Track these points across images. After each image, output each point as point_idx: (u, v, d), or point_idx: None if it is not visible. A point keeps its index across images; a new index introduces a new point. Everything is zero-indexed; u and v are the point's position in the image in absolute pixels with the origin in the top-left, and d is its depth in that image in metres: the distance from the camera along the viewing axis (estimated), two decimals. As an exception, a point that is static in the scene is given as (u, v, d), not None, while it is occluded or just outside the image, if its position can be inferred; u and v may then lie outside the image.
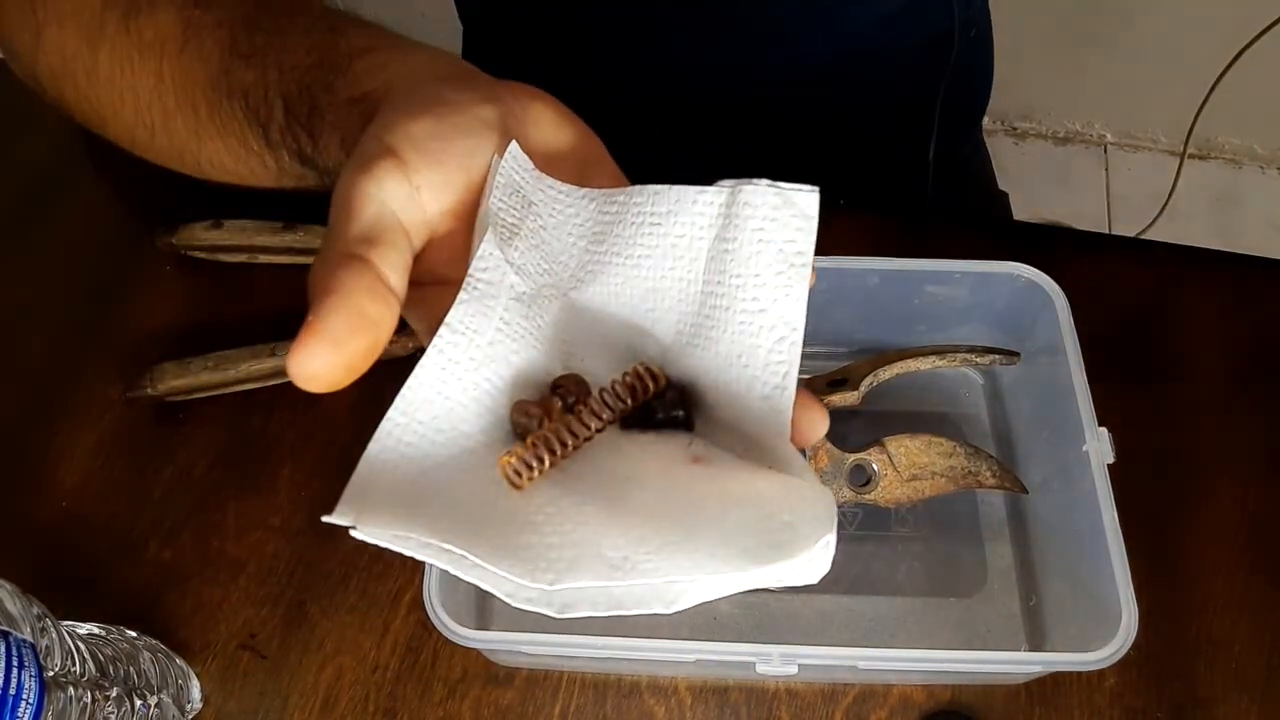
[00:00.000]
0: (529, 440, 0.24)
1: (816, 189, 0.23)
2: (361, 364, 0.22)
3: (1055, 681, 0.43)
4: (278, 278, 0.53)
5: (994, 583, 0.45)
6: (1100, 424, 0.40)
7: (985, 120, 0.73)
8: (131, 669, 0.38)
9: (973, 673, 0.42)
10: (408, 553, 0.22)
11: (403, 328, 0.59)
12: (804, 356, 0.56)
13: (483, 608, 0.45)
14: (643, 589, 0.21)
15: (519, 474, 0.23)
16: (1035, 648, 0.43)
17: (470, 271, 0.24)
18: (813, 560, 0.21)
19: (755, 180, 0.23)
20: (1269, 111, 1.33)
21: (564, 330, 0.26)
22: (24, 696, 0.30)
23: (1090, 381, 0.41)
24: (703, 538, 0.21)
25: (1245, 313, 0.53)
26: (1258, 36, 0.93)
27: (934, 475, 0.43)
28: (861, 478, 0.44)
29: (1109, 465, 0.39)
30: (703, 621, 0.45)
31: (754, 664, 0.37)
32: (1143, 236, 1.20)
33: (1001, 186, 0.76)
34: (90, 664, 0.35)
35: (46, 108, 0.46)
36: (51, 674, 0.32)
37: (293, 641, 0.45)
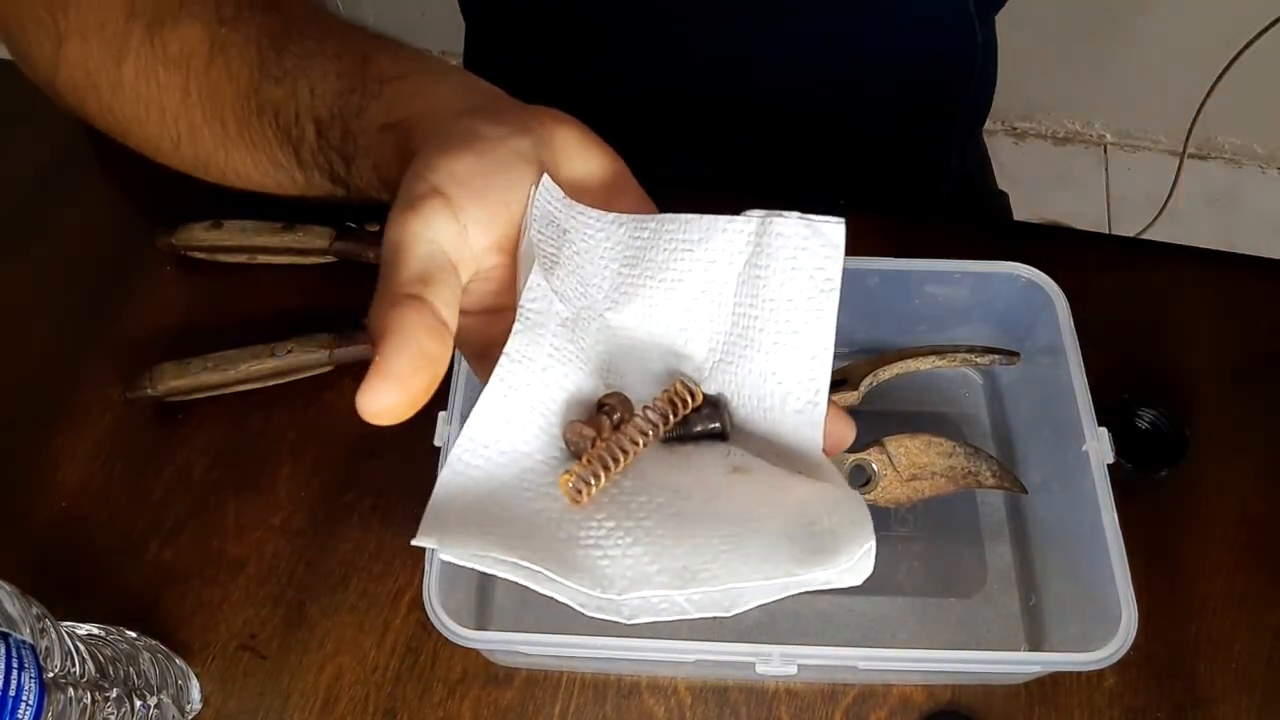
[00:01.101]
0: (584, 458, 0.26)
1: (843, 220, 0.26)
2: (423, 397, 0.23)
3: (1055, 681, 0.43)
4: (277, 278, 0.53)
5: (994, 583, 0.45)
6: (1099, 424, 0.40)
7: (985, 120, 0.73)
8: (131, 669, 0.38)
9: (973, 673, 0.42)
10: (487, 569, 0.24)
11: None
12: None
13: (482, 608, 0.45)
14: (703, 595, 0.24)
15: (579, 490, 0.25)
16: (1035, 648, 0.43)
17: (521, 303, 0.26)
18: (856, 564, 0.23)
19: (786, 213, 0.26)
20: (1269, 111, 1.33)
21: (604, 350, 0.29)
22: (24, 698, 0.30)
23: (1090, 381, 0.41)
24: (753, 545, 0.24)
25: (1245, 313, 0.53)
26: (1258, 36, 0.93)
27: (934, 475, 0.43)
28: (861, 478, 0.44)
29: (1109, 465, 0.39)
30: (703, 622, 0.45)
31: (754, 664, 0.37)
32: (1143, 236, 1.20)
33: (1001, 186, 0.76)
34: (90, 665, 0.35)
35: (47, 107, 0.46)
36: (51, 675, 0.32)
37: (293, 641, 0.45)
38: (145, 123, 0.38)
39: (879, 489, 0.43)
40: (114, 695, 0.35)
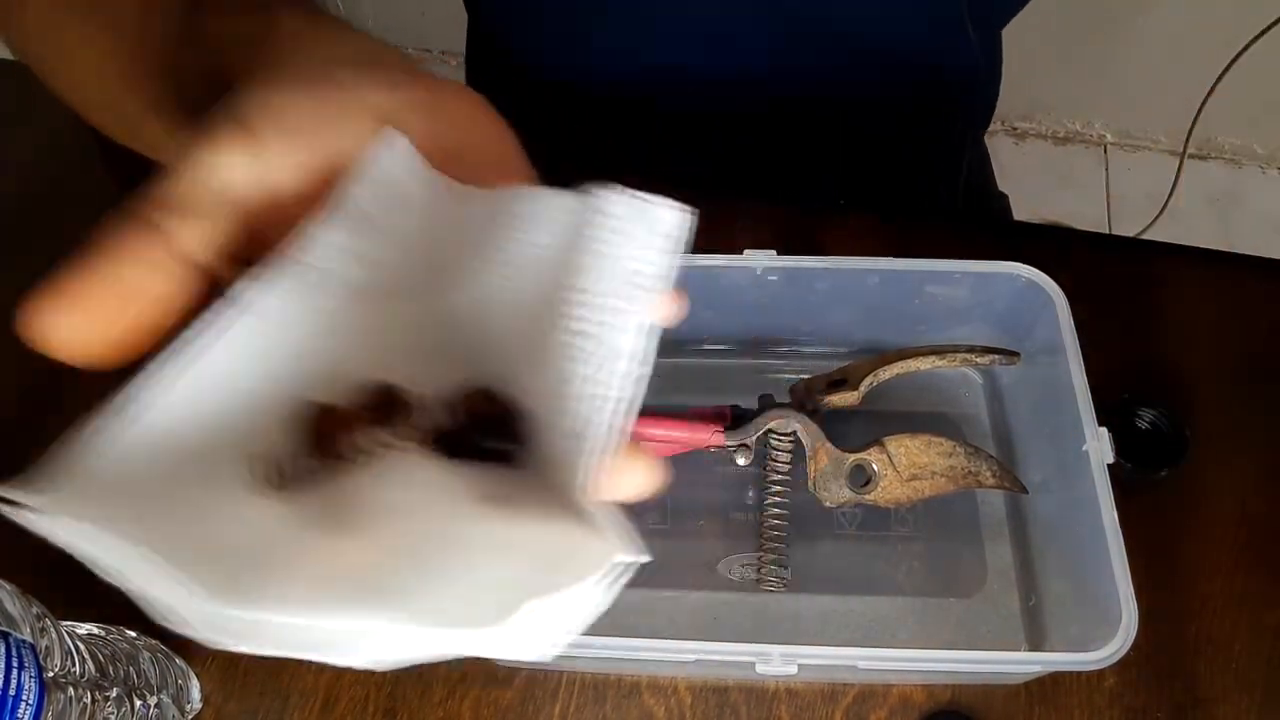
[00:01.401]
0: (307, 444, 0.22)
1: (688, 209, 0.20)
2: (110, 332, 0.20)
3: (1055, 681, 0.43)
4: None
5: (994, 583, 0.45)
6: (1099, 424, 0.40)
7: (985, 120, 0.73)
8: (131, 669, 0.38)
9: (972, 673, 0.42)
10: (84, 550, 0.19)
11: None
12: (804, 356, 0.55)
13: (483, 608, 0.45)
14: (331, 633, 0.18)
15: (280, 474, 0.21)
16: (1035, 647, 0.43)
17: (292, 253, 0.22)
18: (508, 638, 0.18)
19: (620, 191, 0.20)
20: (1269, 111, 1.33)
21: (414, 336, 0.24)
22: (24, 697, 0.30)
23: (1090, 381, 0.41)
24: (426, 590, 0.19)
25: (1245, 313, 0.53)
26: (1258, 36, 0.93)
27: (934, 475, 0.43)
28: (861, 478, 0.44)
29: (1109, 465, 0.39)
30: (703, 621, 0.45)
31: (754, 664, 0.37)
32: (1143, 236, 1.20)
33: (1001, 187, 0.76)
34: (90, 664, 0.35)
35: (47, 107, 0.46)
36: (51, 674, 0.32)
37: (293, 641, 0.45)
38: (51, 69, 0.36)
39: (879, 489, 0.43)
40: (114, 695, 0.35)
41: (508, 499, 0.21)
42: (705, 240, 0.62)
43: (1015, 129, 1.47)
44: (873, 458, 0.43)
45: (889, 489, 0.43)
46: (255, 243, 0.23)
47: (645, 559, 0.19)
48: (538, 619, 0.18)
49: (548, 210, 0.22)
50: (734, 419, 0.44)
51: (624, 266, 0.20)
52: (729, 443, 0.43)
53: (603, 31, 0.56)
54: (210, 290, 0.22)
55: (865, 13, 0.53)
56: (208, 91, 0.29)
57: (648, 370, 0.20)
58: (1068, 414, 0.41)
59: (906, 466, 0.43)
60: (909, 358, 0.44)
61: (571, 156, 0.58)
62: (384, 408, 0.23)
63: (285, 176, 0.23)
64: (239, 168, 0.22)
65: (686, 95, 0.59)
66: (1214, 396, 0.50)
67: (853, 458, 0.43)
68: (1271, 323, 0.53)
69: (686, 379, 0.51)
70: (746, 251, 0.45)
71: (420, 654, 0.18)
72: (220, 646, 0.18)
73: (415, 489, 0.22)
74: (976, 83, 0.64)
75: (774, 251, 0.45)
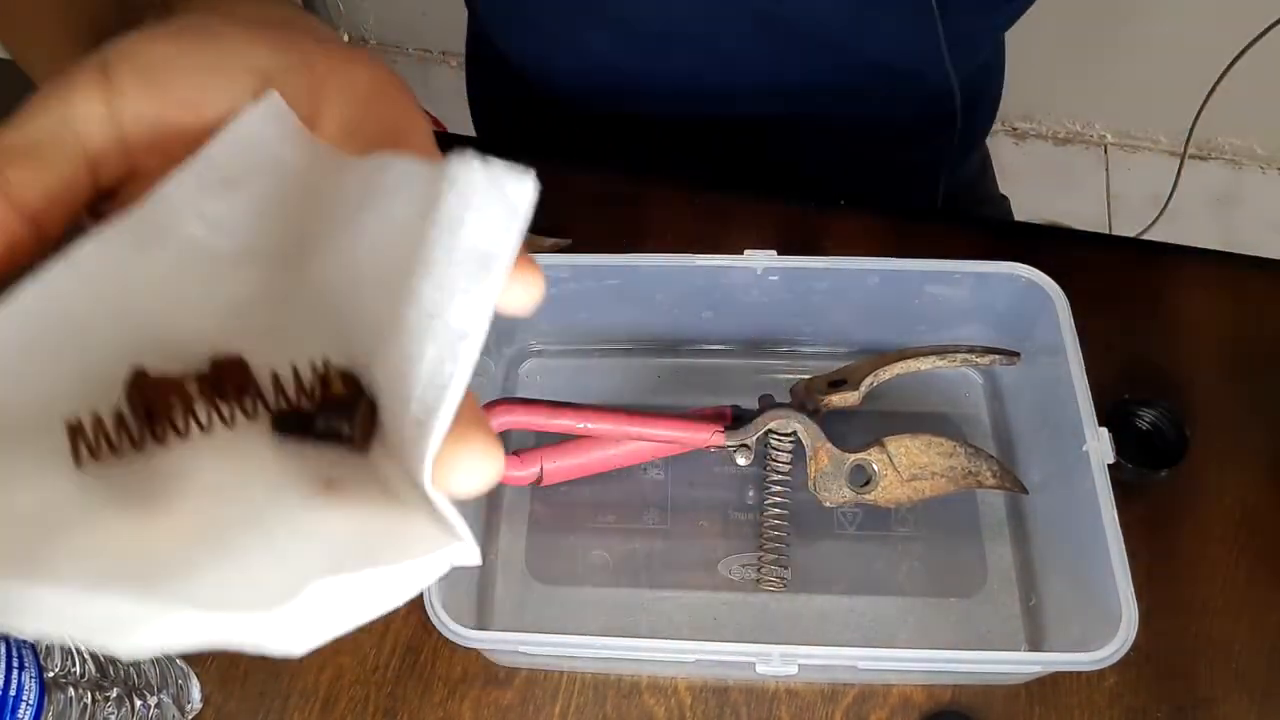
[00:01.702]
0: (120, 414, 0.20)
1: (532, 175, 0.18)
2: None
3: (1055, 681, 0.43)
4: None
5: (994, 583, 0.45)
6: (1099, 424, 0.40)
7: (985, 121, 0.73)
8: (131, 669, 0.38)
9: (973, 673, 0.42)
10: None
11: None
12: (804, 356, 0.55)
13: (483, 608, 0.45)
14: (100, 616, 0.17)
15: (90, 447, 0.20)
16: (1035, 647, 0.43)
17: (134, 209, 0.21)
18: (281, 625, 0.17)
19: (473, 159, 0.18)
20: (1269, 111, 1.33)
21: (267, 307, 0.22)
22: (24, 697, 0.30)
23: (1090, 381, 0.41)
24: (214, 574, 0.17)
25: (1245, 313, 0.53)
26: (1258, 37, 0.93)
27: (934, 475, 0.43)
28: (861, 478, 0.44)
29: (1109, 465, 0.39)
30: (703, 622, 0.45)
31: (754, 664, 0.37)
32: (1143, 236, 1.20)
33: (1001, 187, 0.76)
34: (90, 664, 0.35)
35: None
36: (51, 674, 0.32)
37: (293, 641, 0.45)
38: None
39: (879, 489, 0.43)
40: (114, 695, 0.35)
41: (343, 483, 0.20)
42: (705, 240, 0.62)
43: (1015, 129, 1.47)
44: (873, 458, 0.43)
45: (889, 489, 0.43)
46: (119, 203, 0.22)
47: (475, 560, 0.18)
48: (322, 603, 0.17)
49: (407, 180, 0.20)
50: (734, 419, 0.44)
51: (472, 244, 0.18)
52: (729, 443, 0.43)
53: (592, 34, 0.56)
54: (48, 244, 0.20)
55: (840, 12, 0.54)
56: (95, 39, 0.27)
57: (478, 349, 0.18)
58: (1068, 414, 0.41)
59: (907, 467, 0.43)
60: (909, 358, 0.44)
61: (570, 159, 0.58)
62: (225, 381, 0.21)
63: (143, 129, 0.22)
64: (93, 117, 0.21)
65: (679, 98, 0.59)
66: (1214, 396, 0.50)
67: (853, 458, 0.43)
68: (1272, 323, 0.53)
69: (686, 379, 0.51)
70: (746, 251, 0.45)
71: (197, 640, 0.17)
72: None
73: (243, 470, 0.20)
74: (975, 91, 0.64)
75: (774, 251, 0.45)
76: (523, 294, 0.19)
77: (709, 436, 0.43)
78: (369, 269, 0.21)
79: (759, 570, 0.44)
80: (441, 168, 0.18)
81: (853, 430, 0.45)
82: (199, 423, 0.21)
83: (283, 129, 0.22)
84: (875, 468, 0.43)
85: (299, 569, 0.17)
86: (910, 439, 0.43)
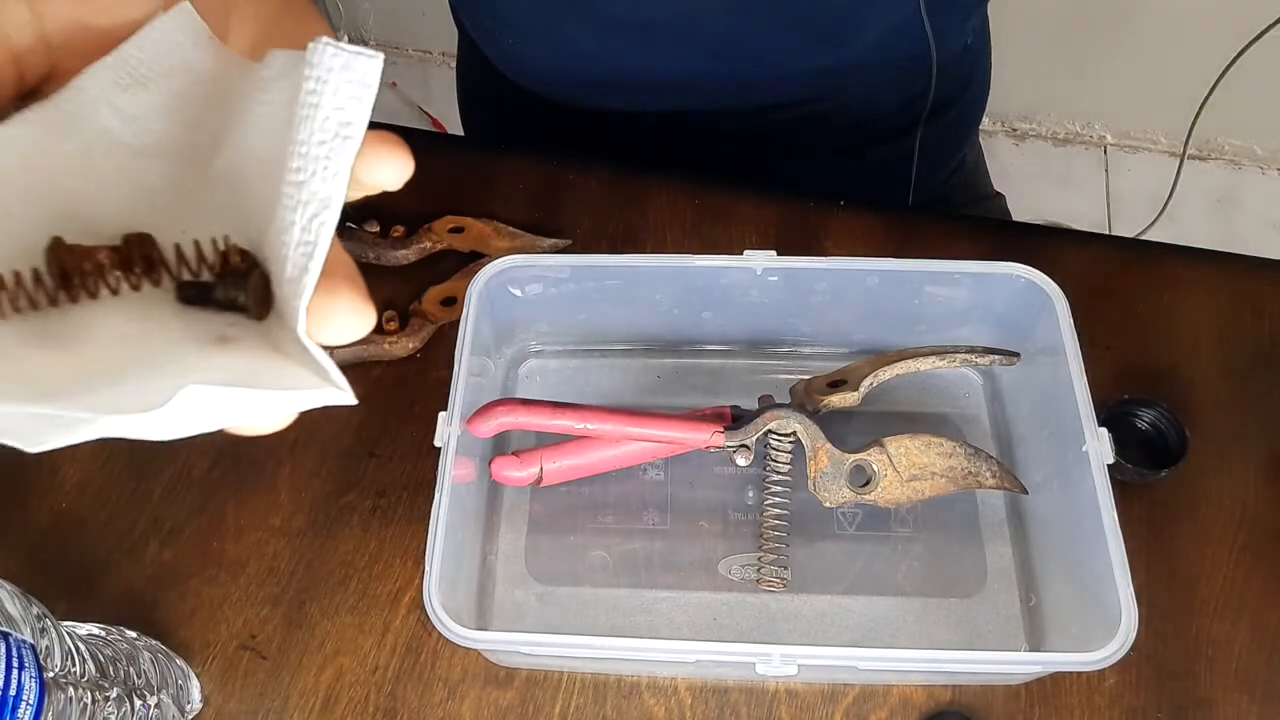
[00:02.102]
0: (35, 270, 0.23)
1: (380, 56, 0.21)
2: None
3: (1055, 681, 0.43)
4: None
5: (994, 583, 0.45)
6: (1099, 424, 0.40)
7: (985, 121, 0.73)
8: (131, 669, 0.38)
9: (972, 673, 0.42)
10: None
11: (402, 327, 0.59)
12: (804, 357, 0.55)
13: (483, 608, 0.45)
14: (17, 421, 0.20)
15: (11, 300, 0.22)
16: (1035, 648, 0.43)
17: (53, 98, 0.23)
18: (157, 418, 0.20)
19: (327, 41, 0.21)
20: (1269, 112, 1.33)
21: (179, 198, 0.25)
22: (24, 697, 0.30)
23: (1090, 381, 0.41)
24: (111, 387, 0.20)
25: (1245, 313, 0.53)
26: (1258, 36, 0.93)
27: (934, 476, 0.43)
28: (861, 478, 0.44)
29: (1108, 465, 0.39)
30: (702, 621, 0.45)
31: (754, 664, 0.37)
32: (1143, 236, 1.20)
33: (1001, 187, 0.76)
34: (90, 664, 0.35)
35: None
36: (51, 675, 0.32)
37: (293, 641, 0.45)
38: None
39: (879, 489, 0.43)
40: (114, 695, 0.35)
41: (237, 340, 0.23)
42: (705, 240, 0.62)
43: (1015, 129, 1.47)
44: (873, 458, 0.43)
45: (889, 489, 0.43)
46: (33, 94, 0.24)
47: (348, 401, 0.21)
48: (194, 405, 0.20)
49: (284, 69, 0.23)
50: (734, 419, 0.44)
51: (329, 117, 0.21)
52: (729, 443, 0.43)
53: (572, 27, 0.56)
54: None
55: (823, 27, 0.54)
56: None
57: (339, 211, 0.21)
58: (1068, 414, 0.41)
59: (906, 467, 0.43)
60: (909, 358, 0.44)
61: (570, 160, 0.58)
62: (134, 253, 0.24)
63: (64, 31, 0.23)
64: (18, 18, 0.23)
65: (661, 91, 0.59)
66: (1214, 396, 0.50)
67: (853, 458, 0.43)
68: (1271, 323, 0.53)
69: (686, 379, 0.51)
70: (746, 252, 0.45)
71: (91, 435, 0.20)
72: None
73: (146, 327, 0.23)
74: (972, 80, 0.64)
75: (774, 252, 0.45)
76: (390, 169, 0.22)
77: (709, 437, 0.43)
78: (259, 153, 0.23)
79: (759, 570, 0.44)
80: (306, 51, 0.21)
81: (852, 430, 0.45)
82: (109, 286, 0.23)
83: (194, 36, 0.25)
84: (875, 468, 0.43)
85: (179, 383, 0.20)
86: (910, 439, 0.43)
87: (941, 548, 0.46)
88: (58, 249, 0.23)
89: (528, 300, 0.48)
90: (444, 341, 0.52)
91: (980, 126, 0.73)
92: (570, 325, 0.50)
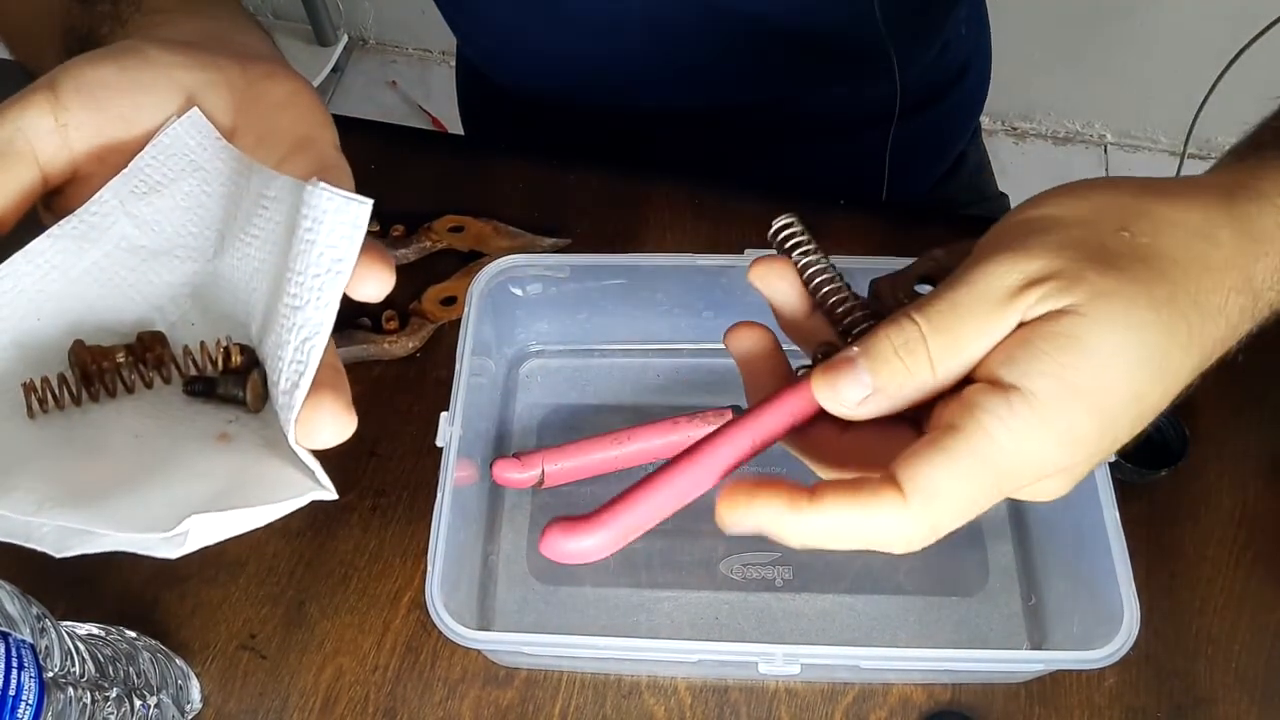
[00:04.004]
0: (61, 375, 0.26)
1: (370, 201, 0.24)
2: None
3: (1055, 681, 0.43)
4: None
5: (995, 582, 0.45)
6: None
7: (985, 120, 0.73)
8: (131, 669, 0.38)
9: (973, 672, 0.42)
10: None
11: (401, 327, 0.59)
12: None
13: (484, 608, 0.45)
14: (48, 530, 0.23)
15: (40, 402, 0.26)
16: (1036, 647, 0.43)
17: (78, 211, 0.26)
18: (167, 542, 0.23)
19: (320, 183, 0.23)
20: (1269, 111, 1.32)
21: (188, 293, 0.28)
22: (24, 697, 0.30)
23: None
24: (124, 499, 0.23)
25: (1245, 312, 0.53)
26: (1257, 36, 0.93)
27: None
28: None
29: (1109, 465, 0.39)
30: (704, 622, 0.45)
31: (756, 664, 0.37)
32: (1142, 236, 1.19)
33: (1001, 186, 0.76)
34: (90, 664, 0.35)
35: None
36: (51, 674, 0.32)
37: (293, 641, 0.45)
38: None
39: None
40: (114, 695, 0.35)
41: (236, 437, 0.26)
42: (705, 240, 0.62)
43: (1015, 129, 1.47)
44: None
45: None
46: (63, 199, 0.27)
47: (331, 496, 0.25)
48: (197, 529, 0.23)
49: (284, 193, 0.26)
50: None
51: (322, 253, 0.24)
52: None
53: (542, 26, 0.56)
54: (5, 232, 0.25)
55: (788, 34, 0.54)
56: (64, 45, 0.31)
57: (327, 337, 0.24)
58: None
59: None
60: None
61: (570, 160, 0.58)
62: (148, 351, 0.27)
63: (85, 139, 0.26)
64: (44, 129, 0.25)
65: (631, 89, 0.59)
66: (1214, 396, 0.50)
67: None
68: (1272, 323, 0.53)
69: (686, 379, 0.51)
70: (747, 251, 0.45)
71: (108, 548, 0.23)
72: None
73: (157, 423, 0.26)
74: (969, 71, 0.64)
75: (773, 252, 0.44)
76: (374, 285, 0.25)
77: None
78: (258, 262, 0.27)
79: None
80: (304, 191, 0.24)
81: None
82: (125, 385, 0.27)
83: (202, 139, 0.27)
84: None
85: (183, 503, 0.23)
86: None
87: (943, 547, 0.46)
88: (79, 350, 0.27)
89: (528, 300, 0.48)
90: (443, 341, 0.52)
91: (981, 126, 0.73)
92: (570, 325, 0.50)
